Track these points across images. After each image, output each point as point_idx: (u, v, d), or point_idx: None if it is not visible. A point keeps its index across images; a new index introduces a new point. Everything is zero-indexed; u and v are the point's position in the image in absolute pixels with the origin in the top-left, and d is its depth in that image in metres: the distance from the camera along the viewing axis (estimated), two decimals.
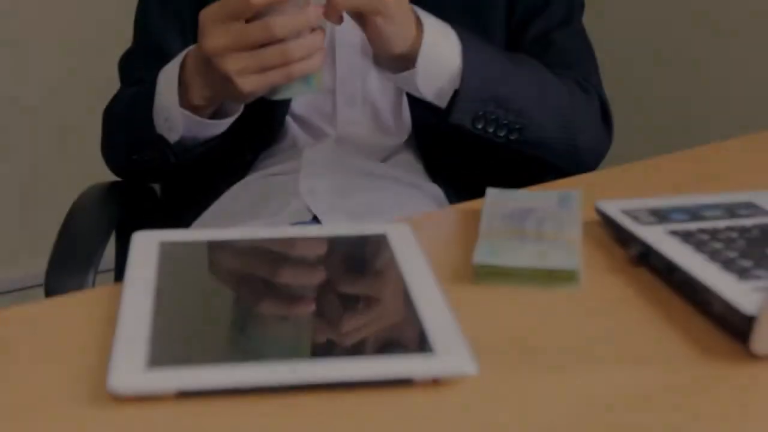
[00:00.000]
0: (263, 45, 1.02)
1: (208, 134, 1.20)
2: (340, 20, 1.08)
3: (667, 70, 1.68)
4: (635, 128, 1.73)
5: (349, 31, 1.25)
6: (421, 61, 1.11)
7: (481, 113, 1.16)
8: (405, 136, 1.32)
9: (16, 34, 1.81)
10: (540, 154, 1.24)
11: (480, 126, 1.17)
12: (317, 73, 1.06)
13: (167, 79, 1.17)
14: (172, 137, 1.19)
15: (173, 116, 1.16)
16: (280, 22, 1.00)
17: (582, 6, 1.41)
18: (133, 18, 1.41)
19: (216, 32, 1.03)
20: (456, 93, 1.14)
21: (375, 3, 1.06)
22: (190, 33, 1.32)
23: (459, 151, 1.26)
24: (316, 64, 1.05)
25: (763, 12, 1.55)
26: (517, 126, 1.18)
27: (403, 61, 1.13)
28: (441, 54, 1.13)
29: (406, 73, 1.14)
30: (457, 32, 1.15)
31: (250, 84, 1.04)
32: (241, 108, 1.19)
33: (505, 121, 1.18)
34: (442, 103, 1.16)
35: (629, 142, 1.72)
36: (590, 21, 1.42)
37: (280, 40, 1.02)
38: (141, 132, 1.22)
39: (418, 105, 1.19)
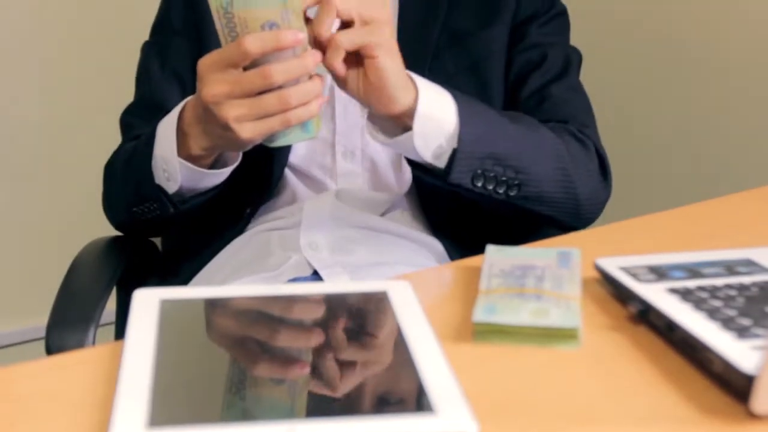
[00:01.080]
0: (261, 92, 1.03)
1: (207, 184, 1.21)
2: (341, 68, 1.06)
3: (665, 124, 1.69)
4: (634, 182, 1.74)
5: None
6: (418, 121, 1.11)
7: (479, 171, 1.16)
8: (404, 190, 1.33)
9: (19, 78, 1.83)
10: (541, 209, 1.24)
11: (479, 184, 1.16)
12: (315, 119, 1.06)
13: (166, 129, 1.18)
14: (171, 187, 1.19)
15: (172, 166, 1.17)
16: (277, 69, 1.00)
17: (579, 60, 1.42)
18: (132, 74, 1.43)
19: (214, 80, 1.03)
20: (454, 152, 1.14)
21: (375, 34, 1.05)
22: (189, 90, 1.34)
23: (459, 206, 1.26)
24: (314, 110, 1.04)
25: (762, 63, 1.56)
26: (516, 182, 1.19)
27: (399, 124, 1.13)
28: (437, 114, 1.13)
29: (403, 136, 1.13)
30: (450, 92, 1.15)
31: (249, 131, 1.03)
32: (240, 157, 1.20)
33: (504, 178, 1.18)
34: (441, 163, 1.15)
35: (628, 196, 1.72)
36: (587, 73, 1.43)
37: (279, 87, 1.02)
38: (141, 183, 1.23)
39: (416, 167, 1.19)
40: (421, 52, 1.32)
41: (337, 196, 1.31)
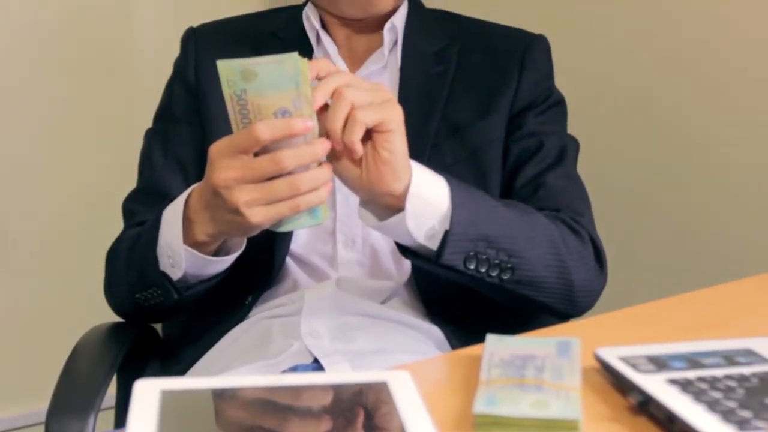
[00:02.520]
0: (271, 177, 1.04)
1: (211, 271, 1.22)
2: (360, 147, 1.06)
3: (664, 211, 1.70)
4: (633, 269, 1.74)
5: None
6: (411, 201, 1.11)
7: (472, 253, 1.16)
8: (405, 278, 1.34)
9: (21, 166, 1.85)
10: (534, 295, 1.24)
11: (472, 266, 1.17)
12: (323, 205, 1.07)
13: (171, 216, 1.19)
14: (176, 274, 1.20)
15: (177, 253, 1.18)
16: (288, 155, 1.02)
17: (576, 148, 1.44)
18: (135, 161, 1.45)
19: (225, 165, 1.04)
20: (446, 233, 1.14)
21: (391, 112, 1.07)
22: (192, 177, 1.36)
23: (458, 294, 1.26)
24: (323, 196, 1.06)
25: (756, 145, 1.58)
26: (509, 265, 1.19)
27: (392, 209, 1.14)
28: (430, 195, 1.13)
29: (396, 218, 1.13)
30: (444, 176, 1.16)
31: (258, 215, 1.05)
32: (244, 244, 1.20)
33: (496, 261, 1.18)
34: (433, 244, 1.15)
35: (627, 283, 1.73)
36: (583, 162, 1.45)
37: (288, 173, 1.03)
38: (145, 269, 1.24)
39: (407, 252, 1.19)
40: (421, 143, 1.33)
41: (338, 284, 1.32)
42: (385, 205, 1.14)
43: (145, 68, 1.81)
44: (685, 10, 1.60)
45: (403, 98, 1.37)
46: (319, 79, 1.05)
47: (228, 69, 1.01)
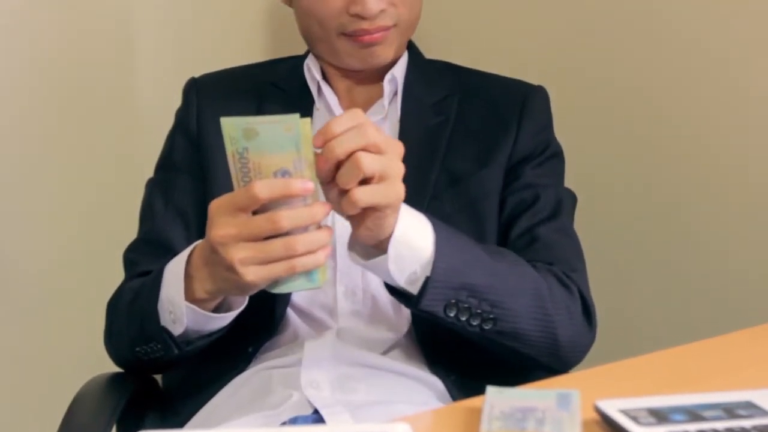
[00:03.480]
0: (269, 238, 1.04)
1: (212, 327, 1.22)
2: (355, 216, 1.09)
3: (661, 262, 1.70)
4: (630, 320, 1.74)
5: (348, 225, 1.28)
6: (393, 245, 1.11)
7: (453, 301, 1.16)
8: (405, 329, 1.34)
9: (22, 216, 1.85)
10: (518, 346, 1.23)
11: (452, 314, 1.16)
12: (321, 269, 1.07)
13: (173, 272, 1.19)
14: (177, 330, 1.20)
15: (178, 309, 1.18)
16: (285, 216, 1.02)
17: (573, 202, 1.44)
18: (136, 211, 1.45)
19: (223, 222, 1.05)
20: (428, 279, 1.14)
21: (391, 196, 1.07)
22: (193, 228, 1.37)
23: (459, 344, 1.26)
24: (320, 260, 1.05)
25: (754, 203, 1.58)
26: (491, 316, 1.19)
27: (378, 248, 1.14)
28: (414, 240, 1.13)
29: (378, 258, 1.13)
30: (430, 221, 1.16)
31: (253, 274, 1.05)
32: (246, 301, 1.21)
33: (478, 311, 1.18)
34: (414, 289, 1.15)
35: (627, 334, 1.72)
36: (581, 212, 1.45)
37: (286, 234, 1.03)
38: (146, 324, 1.24)
39: (392, 292, 1.19)
40: (420, 193, 1.34)
41: (338, 335, 1.32)
42: (371, 247, 1.15)
43: (146, 118, 1.83)
44: (685, 61, 1.62)
45: (404, 149, 1.37)
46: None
47: (231, 126, 1.02)
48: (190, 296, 1.17)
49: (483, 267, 1.19)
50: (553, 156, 1.44)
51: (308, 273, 1.06)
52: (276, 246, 1.04)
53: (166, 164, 1.46)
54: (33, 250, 1.79)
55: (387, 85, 1.43)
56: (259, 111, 1.41)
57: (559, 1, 1.77)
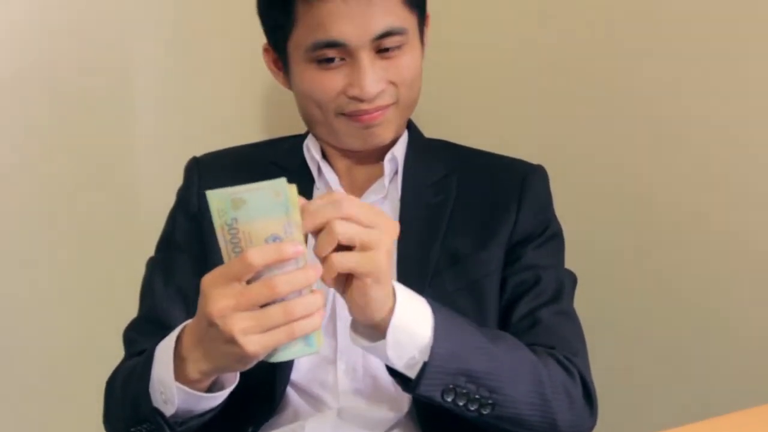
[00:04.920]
0: (265, 305, 1.03)
1: (204, 407, 1.20)
2: (337, 284, 1.09)
3: (664, 338, 1.70)
4: (633, 400, 1.73)
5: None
6: (392, 331, 1.12)
7: (451, 386, 1.15)
8: (406, 408, 1.33)
9: (20, 300, 1.85)
10: (517, 431, 1.22)
11: (450, 399, 1.16)
12: (317, 334, 1.07)
13: (163, 353, 1.18)
14: (168, 410, 1.19)
15: (168, 390, 1.16)
16: (282, 280, 1.02)
17: (573, 283, 1.45)
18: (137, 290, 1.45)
19: (219, 294, 1.03)
20: (425, 364, 1.14)
21: (369, 264, 1.07)
22: (193, 307, 1.36)
23: (460, 425, 1.25)
24: (317, 323, 1.04)
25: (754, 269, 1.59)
26: (489, 401, 1.18)
27: (379, 330, 1.13)
28: (412, 326, 1.13)
29: (378, 343, 1.13)
30: (430, 305, 1.16)
31: (254, 344, 1.03)
32: (237, 379, 1.19)
33: (476, 396, 1.17)
34: (413, 373, 1.15)
35: (630, 417, 1.71)
36: (581, 293, 1.46)
37: (281, 300, 1.03)
38: (138, 405, 1.22)
39: (394, 375, 1.18)
40: (421, 272, 1.35)
41: (339, 414, 1.31)
42: (371, 328, 1.14)
43: (147, 197, 1.83)
44: (683, 145, 1.63)
45: (405, 228, 1.37)
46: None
47: (218, 199, 1.01)
48: (182, 377, 1.15)
49: (482, 352, 1.19)
50: (553, 237, 1.45)
51: (306, 338, 1.05)
52: (275, 312, 1.02)
53: (167, 243, 1.46)
54: (31, 327, 1.78)
55: (387, 164, 1.44)
56: None
57: (558, 80, 1.79)
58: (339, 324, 1.35)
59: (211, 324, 1.05)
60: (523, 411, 1.21)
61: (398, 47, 1.38)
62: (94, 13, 1.74)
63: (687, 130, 1.62)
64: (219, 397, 1.19)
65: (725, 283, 1.61)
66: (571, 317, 1.40)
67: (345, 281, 1.09)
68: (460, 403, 1.16)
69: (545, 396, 1.23)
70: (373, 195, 1.44)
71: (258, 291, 1.02)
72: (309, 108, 1.42)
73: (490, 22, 1.90)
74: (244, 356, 1.05)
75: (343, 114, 1.39)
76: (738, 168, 1.56)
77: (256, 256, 1.01)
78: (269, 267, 1.02)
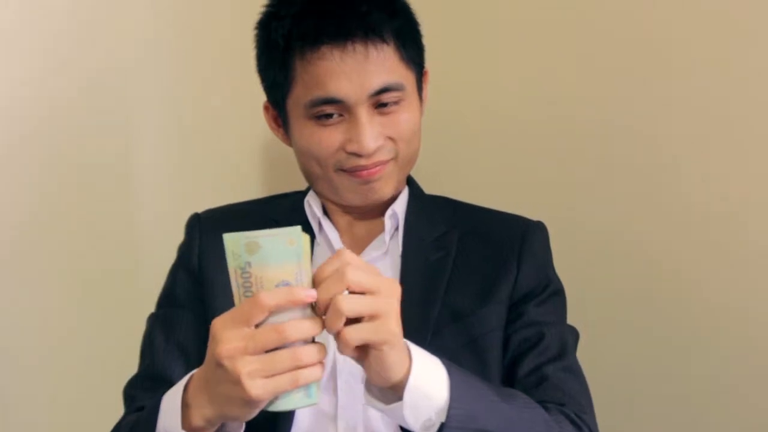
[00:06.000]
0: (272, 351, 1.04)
1: None
2: (354, 353, 1.08)
3: (665, 398, 1.69)
4: None
5: (351, 365, 1.29)
6: (408, 393, 1.11)
7: None
8: None
9: (18, 353, 1.84)
10: None
11: None
12: (316, 386, 1.07)
13: (170, 401, 1.18)
14: None
15: None
16: (292, 326, 1.03)
17: (576, 339, 1.45)
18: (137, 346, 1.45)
19: (229, 336, 1.04)
20: (442, 426, 1.13)
21: (382, 333, 1.07)
22: (193, 363, 1.36)
23: None
24: (320, 373, 1.05)
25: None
26: None
27: (394, 392, 1.13)
28: (428, 388, 1.13)
29: (394, 405, 1.13)
30: (444, 365, 1.16)
31: (259, 388, 1.03)
32: (242, 428, 1.19)
33: None
34: None
35: None
36: (583, 351, 1.45)
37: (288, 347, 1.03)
38: None
39: None
40: (422, 329, 1.35)
41: None
42: (386, 390, 1.14)
43: (147, 253, 1.83)
44: (683, 202, 1.64)
45: (405, 284, 1.37)
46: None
47: (233, 242, 1.04)
48: (187, 425, 1.15)
49: (497, 412, 1.18)
50: (555, 294, 1.45)
51: (307, 388, 1.06)
52: (282, 357, 1.03)
53: (167, 299, 1.46)
54: (28, 385, 1.77)
55: (388, 220, 1.44)
56: None
57: (558, 137, 1.81)
58: (340, 381, 1.34)
59: (219, 365, 1.05)
60: None
61: (396, 103, 1.39)
62: (94, 71, 1.75)
63: (688, 188, 1.63)
64: None
65: (725, 349, 1.61)
66: (577, 373, 1.39)
67: (361, 349, 1.09)
68: None
69: None
70: (373, 251, 1.44)
71: (267, 335, 1.03)
72: (309, 164, 1.43)
73: (490, 80, 1.91)
74: (248, 400, 1.04)
75: (343, 170, 1.40)
76: (738, 229, 1.57)
77: (268, 297, 1.02)
78: (279, 309, 1.03)
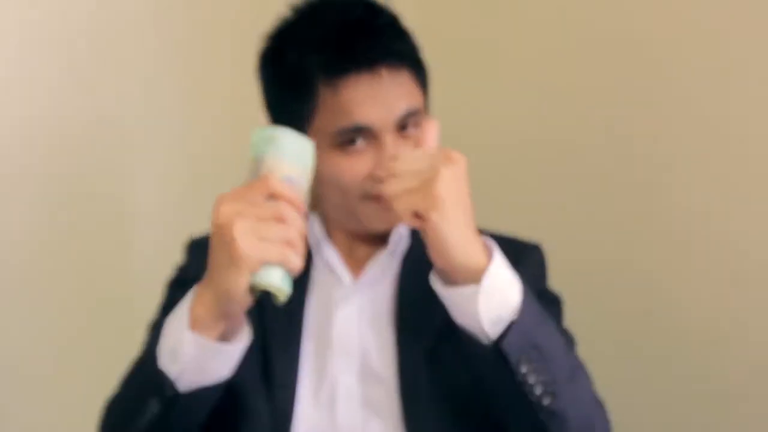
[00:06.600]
0: None
1: (213, 367, 1.18)
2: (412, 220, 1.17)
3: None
4: None
5: (350, 386, 1.31)
6: (487, 280, 1.14)
7: (525, 354, 1.15)
8: None
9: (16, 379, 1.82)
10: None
11: (524, 370, 1.15)
12: (291, 281, 1.14)
13: (178, 309, 1.19)
14: (174, 371, 1.16)
15: (179, 340, 1.15)
16: (289, 208, 1.10)
17: (573, 346, 1.43)
18: None
19: (229, 202, 1.10)
20: (512, 323, 1.14)
21: (429, 203, 1.14)
22: None
23: None
24: (300, 261, 1.12)
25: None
26: (551, 390, 1.16)
27: (468, 279, 1.16)
28: (505, 281, 1.16)
29: (469, 290, 1.15)
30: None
31: (248, 245, 1.08)
32: (246, 338, 1.20)
33: (543, 378, 1.16)
34: (494, 331, 1.16)
35: None
36: None
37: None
38: (142, 374, 1.22)
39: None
40: (417, 349, 1.35)
41: None
42: (456, 279, 1.17)
43: (142, 272, 1.83)
44: (685, 207, 1.65)
45: (401, 306, 1.38)
46: None
47: (256, 134, 1.15)
48: (191, 322, 1.16)
49: (553, 337, 1.21)
50: (551, 303, 1.43)
51: (285, 272, 1.12)
52: (275, 227, 1.09)
53: (165, 309, 1.43)
54: (26, 412, 1.75)
55: (392, 242, 1.44)
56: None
57: (560, 163, 1.82)
58: (339, 404, 1.34)
59: (216, 226, 1.11)
60: (571, 415, 1.18)
61: (414, 126, 1.37)
62: (93, 118, 1.77)
63: (687, 207, 1.65)
64: (227, 352, 1.19)
65: (724, 374, 1.61)
66: (584, 369, 1.38)
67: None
68: (531, 381, 1.15)
69: (590, 410, 1.23)
70: (373, 270, 1.44)
71: (265, 207, 1.09)
72: (330, 193, 1.41)
73: (491, 112, 1.94)
74: (236, 258, 1.09)
75: (368, 197, 1.37)
76: (739, 248, 1.59)
77: (276, 183, 1.10)
78: (278, 197, 1.11)
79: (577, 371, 1.24)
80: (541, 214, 1.85)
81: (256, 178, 1.13)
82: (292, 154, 1.15)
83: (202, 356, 1.16)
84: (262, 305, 1.25)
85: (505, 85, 1.93)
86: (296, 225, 1.10)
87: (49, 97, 1.69)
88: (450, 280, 1.19)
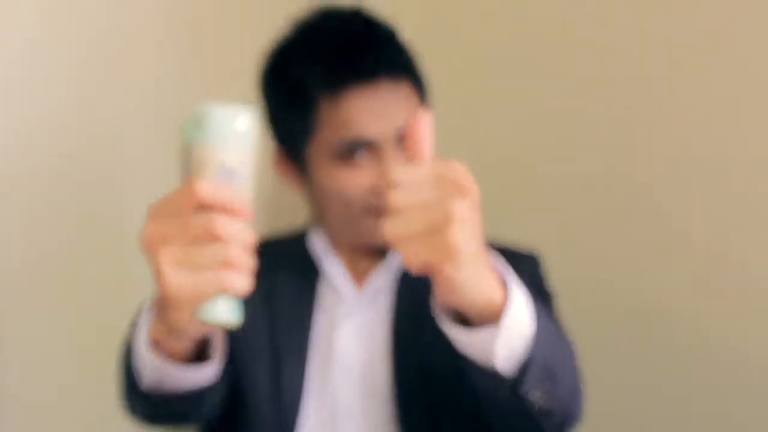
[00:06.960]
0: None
1: (183, 381, 1.08)
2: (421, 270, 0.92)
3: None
4: None
5: (349, 405, 1.32)
6: (506, 320, 0.97)
7: (539, 383, 1.02)
8: None
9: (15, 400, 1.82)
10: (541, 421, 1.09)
11: (532, 398, 1.02)
12: (240, 308, 0.93)
13: (142, 326, 1.07)
14: (149, 381, 1.08)
15: (143, 358, 1.06)
16: (223, 220, 0.88)
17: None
18: None
19: (156, 217, 0.90)
20: (528, 362, 1.00)
21: (442, 255, 0.90)
22: None
23: None
24: (246, 284, 0.90)
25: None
26: (551, 402, 1.05)
27: (484, 318, 0.99)
28: (521, 311, 0.99)
29: (486, 334, 0.97)
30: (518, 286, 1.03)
31: (178, 282, 0.88)
32: (214, 363, 1.09)
33: (549, 395, 1.04)
34: (507, 366, 1.01)
35: None
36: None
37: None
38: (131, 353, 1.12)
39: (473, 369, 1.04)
40: (414, 360, 1.36)
41: None
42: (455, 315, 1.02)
43: (142, 272, 1.83)
44: (684, 247, 1.65)
45: (398, 318, 1.38)
46: None
47: (186, 117, 0.91)
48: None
49: (556, 345, 1.07)
50: (546, 299, 1.42)
51: (232, 304, 0.91)
52: (208, 250, 0.88)
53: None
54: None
55: (391, 254, 1.45)
56: (269, 283, 1.43)
57: (559, 171, 1.82)
58: (340, 424, 1.35)
59: (143, 251, 0.91)
60: (557, 409, 1.08)
61: None
62: (94, 118, 1.77)
63: (688, 233, 1.65)
64: (193, 374, 1.07)
65: (724, 389, 1.61)
66: (574, 351, 1.34)
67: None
68: (538, 401, 1.03)
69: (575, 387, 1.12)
70: (374, 283, 1.45)
71: (193, 224, 0.88)
72: (332, 207, 1.41)
73: (490, 122, 1.94)
74: (166, 297, 0.89)
75: (371, 210, 1.37)
76: (742, 272, 1.59)
77: (202, 189, 0.88)
78: (213, 208, 0.88)
79: (572, 362, 1.13)
80: (541, 221, 1.85)
81: (184, 176, 0.91)
82: (227, 136, 0.89)
83: (168, 375, 1.06)
84: (273, 318, 1.27)
85: (504, 97, 1.93)
86: (236, 239, 0.88)
87: (50, 97, 1.68)
88: (460, 317, 1.02)
